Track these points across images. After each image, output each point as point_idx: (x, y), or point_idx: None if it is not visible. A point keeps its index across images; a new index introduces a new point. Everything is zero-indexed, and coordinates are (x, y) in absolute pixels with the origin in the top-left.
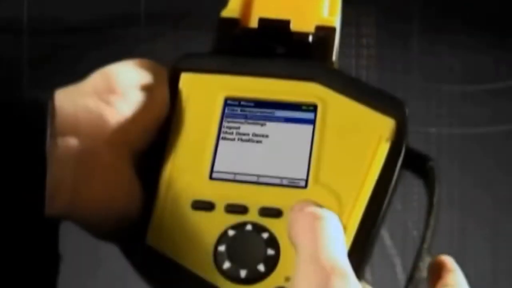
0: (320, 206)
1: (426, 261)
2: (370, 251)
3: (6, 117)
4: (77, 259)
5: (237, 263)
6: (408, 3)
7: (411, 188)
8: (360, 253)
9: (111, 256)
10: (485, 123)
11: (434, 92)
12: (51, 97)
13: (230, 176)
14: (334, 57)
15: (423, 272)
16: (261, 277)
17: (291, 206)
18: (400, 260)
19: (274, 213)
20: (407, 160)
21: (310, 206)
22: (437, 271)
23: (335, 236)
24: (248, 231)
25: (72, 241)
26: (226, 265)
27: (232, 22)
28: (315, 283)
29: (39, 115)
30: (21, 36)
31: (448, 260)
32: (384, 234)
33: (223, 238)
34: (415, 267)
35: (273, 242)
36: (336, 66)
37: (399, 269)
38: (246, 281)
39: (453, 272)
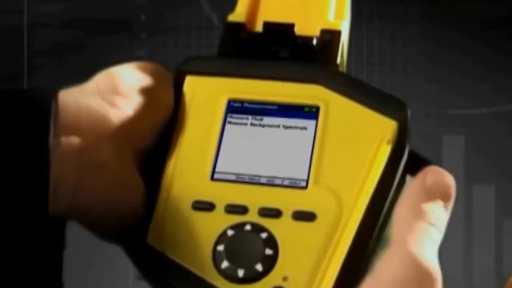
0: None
1: None
2: (371, 256)
3: (10, 115)
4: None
5: (235, 263)
6: (410, 5)
7: None
8: (359, 259)
9: (113, 254)
10: (485, 122)
11: (434, 92)
12: (54, 97)
13: (232, 177)
14: (338, 60)
15: None
16: (259, 276)
17: (290, 207)
18: None
19: (273, 213)
20: (410, 165)
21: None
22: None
23: (435, 242)
24: (247, 231)
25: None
26: (224, 264)
27: (238, 27)
28: (414, 280)
29: (43, 114)
30: (21, 35)
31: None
32: None
33: (222, 238)
34: None
35: (271, 242)
36: (342, 69)
37: None
38: (244, 280)
39: None
